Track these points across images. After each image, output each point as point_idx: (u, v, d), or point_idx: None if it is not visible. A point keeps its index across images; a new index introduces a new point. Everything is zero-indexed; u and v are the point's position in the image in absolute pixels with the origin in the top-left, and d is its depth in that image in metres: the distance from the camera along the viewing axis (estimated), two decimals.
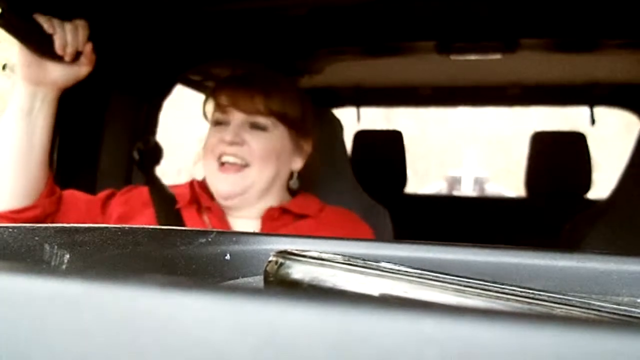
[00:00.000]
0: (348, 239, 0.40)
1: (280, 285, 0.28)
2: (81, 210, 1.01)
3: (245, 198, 1.02)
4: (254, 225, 1.04)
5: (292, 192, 1.11)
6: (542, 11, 1.16)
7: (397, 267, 0.29)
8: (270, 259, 0.30)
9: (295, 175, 1.09)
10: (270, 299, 0.16)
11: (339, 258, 0.29)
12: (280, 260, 0.29)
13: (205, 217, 1.05)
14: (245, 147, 1.00)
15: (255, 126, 1.01)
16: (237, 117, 1.01)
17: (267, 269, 0.29)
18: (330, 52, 1.41)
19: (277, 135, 1.03)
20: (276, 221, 1.03)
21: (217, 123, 1.04)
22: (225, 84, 1.07)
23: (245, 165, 1.00)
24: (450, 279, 0.27)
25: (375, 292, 0.26)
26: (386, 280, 0.26)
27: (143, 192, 1.07)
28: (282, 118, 1.03)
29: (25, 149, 0.91)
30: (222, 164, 1.01)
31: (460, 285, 0.26)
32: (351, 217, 1.10)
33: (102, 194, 1.06)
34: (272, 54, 1.43)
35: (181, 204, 1.05)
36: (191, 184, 1.08)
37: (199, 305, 0.16)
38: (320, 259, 0.28)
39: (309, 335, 0.15)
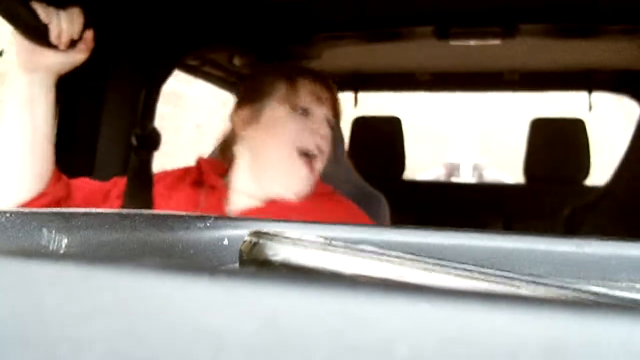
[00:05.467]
0: (347, 224, 0.40)
1: (253, 264, 0.29)
2: (87, 198, 1.01)
3: None
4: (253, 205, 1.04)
5: None
6: None
7: (377, 250, 0.29)
8: (245, 238, 0.30)
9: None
10: (268, 283, 0.16)
11: (319, 239, 0.29)
12: (254, 239, 0.29)
13: (202, 197, 1.04)
14: (327, 141, 1.05)
15: (329, 122, 1.06)
16: (319, 110, 1.05)
17: (242, 248, 0.30)
18: (329, 38, 1.40)
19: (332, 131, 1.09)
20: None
21: (302, 111, 1.03)
22: (306, 76, 1.07)
23: (315, 157, 1.04)
24: (448, 264, 0.27)
25: (346, 272, 0.27)
26: (359, 260, 0.27)
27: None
28: (338, 118, 1.10)
29: (30, 139, 0.90)
30: (308, 156, 1.02)
31: (458, 270, 0.26)
32: (356, 209, 1.11)
33: (107, 184, 1.06)
34: (270, 39, 1.42)
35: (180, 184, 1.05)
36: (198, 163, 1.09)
37: (197, 289, 0.16)
38: (294, 239, 0.28)
39: (307, 318, 0.15)
